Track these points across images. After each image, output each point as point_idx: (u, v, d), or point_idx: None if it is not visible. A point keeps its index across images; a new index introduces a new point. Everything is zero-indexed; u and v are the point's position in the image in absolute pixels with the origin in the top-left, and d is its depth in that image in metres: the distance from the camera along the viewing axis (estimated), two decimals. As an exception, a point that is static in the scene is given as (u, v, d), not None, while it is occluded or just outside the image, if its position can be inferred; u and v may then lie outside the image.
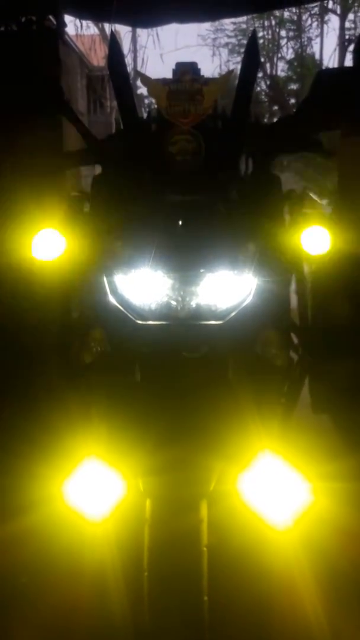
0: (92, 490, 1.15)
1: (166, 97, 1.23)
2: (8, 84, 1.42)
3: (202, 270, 1.17)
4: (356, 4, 12.29)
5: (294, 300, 1.40)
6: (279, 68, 16.82)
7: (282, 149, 1.46)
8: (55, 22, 2.57)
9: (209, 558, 1.09)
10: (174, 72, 1.29)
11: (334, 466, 1.51)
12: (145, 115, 1.36)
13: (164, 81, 1.25)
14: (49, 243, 1.27)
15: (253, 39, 1.34)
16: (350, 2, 12.14)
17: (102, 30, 11.39)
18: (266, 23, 15.56)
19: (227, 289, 1.19)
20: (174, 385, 1.23)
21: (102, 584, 1.19)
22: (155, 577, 1.09)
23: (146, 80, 1.26)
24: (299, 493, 1.15)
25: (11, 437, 1.79)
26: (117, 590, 1.16)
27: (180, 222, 1.17)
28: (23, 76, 1.38)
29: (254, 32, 1.46)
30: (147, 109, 1.41)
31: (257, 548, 1.20)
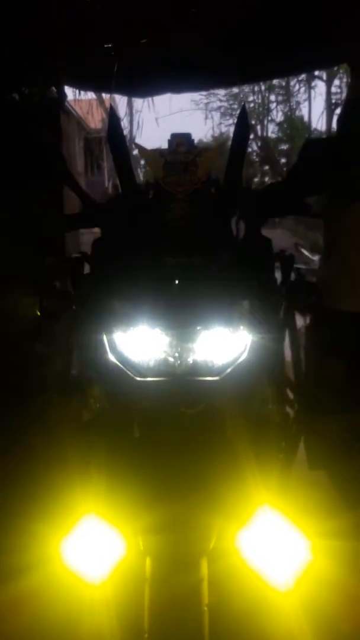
0: (91, 549, 1.14)
1: (162, 167, 1.31)
2: (10, 151, 1.50)
3: (198, 328, 1.21)
4: (340, 72, 13.00)
5: (288, 356, 1.44)
6: (269, 130, 17.54)
7: (272, 213, 1.54)
8: (56, 93, 2.73)
9: (210, 617, 1.08)
10: (170, 142, 1.37)
11: (332, 523, 1.51)
12: (142, 180, 1.44)
13: (160, 152, 1.34)
14: (53, 302, 1.32)
15: (243, 112, 1.44)
16: (335, 70, 12.85)
17: (99, 95, 11.93)
18: (256, 88, 16.35)
19: (223, 345, 1.23)
20: (172, 441, 1.25)
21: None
22: (156, 639, 1.07)
23: (143, 152, 1.34)
24: (299, 551, 1.15)
25: (9, 495, 1.78)
26: (117, 653, 1.13)
27: (177, 282, 1.22)
28: (25, 144, 1.46)
29: (244, 106, 1.57)
30: (143, 171, 1.49)
31: (258, 607, 1.19)
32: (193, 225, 1.27)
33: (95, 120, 13.74)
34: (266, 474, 1.35)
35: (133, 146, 1.52)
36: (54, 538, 1.15)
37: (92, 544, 1.16)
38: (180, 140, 1.36)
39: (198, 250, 1.26)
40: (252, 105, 16.40)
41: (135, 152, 1.53)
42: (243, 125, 1.41)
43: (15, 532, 1.58)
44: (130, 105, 11.68)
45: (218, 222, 1.33)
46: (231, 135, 1.37)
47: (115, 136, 1.39)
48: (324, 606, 1.40)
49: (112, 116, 1.43)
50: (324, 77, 14.87)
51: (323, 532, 1.26)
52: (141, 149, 1.34)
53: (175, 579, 1.11)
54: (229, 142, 1.36)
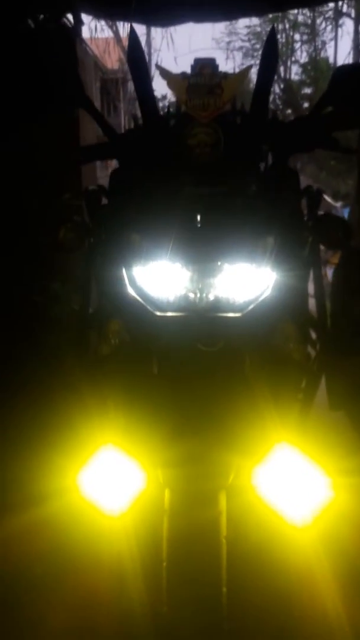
0: (110, 480, 1.15)
1: (186, 90, 1.23)
2: (27, 81, 1.43)
3: (220, 263, 1.17)
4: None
5: (312, 295, 1.39)
6: (293, 72, 16.71)
7: (301, 145, 1.46)
8: (72, 21, 2.60)
9: (227, 550, 1.09)
10: (192, 67, 1.29)
11: (352, 461, 1.50)
12: (164, 110, 1.36)
13: (183, 75, 1.26)
14: (69, 235, 1.28)
15: (272, 34, 1.34)
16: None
17: (115, 32, 11.44)
18: (280, 27, 15.48)
19: (246, 282, 1.19)
20: (191, 377, 1.23)
21: (120, 574, 1.19)
22: (174, 568, 1.09)
23: (166, 74, 1.26)
24: (318, 488, 1.14)
25: (28, 430, 1.80)
26: (135, 581, 1.16)
27: (198, 215, 1.17)
28: (41, 69, 1.39)
29: (273, 28, 1.46)
30: (165, 105, 1.41)
31: (276, 541, 1.20)
32: (217, 153, 1.20)
33: (112, 60, 13.24)
34: (285, 412, 1.34)
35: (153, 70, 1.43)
36: (73, 470, 1.15)
37: (111, 475, 1.17)
38: (205, 64, 1.27)
39: (222, 180, 1.20)
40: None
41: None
42: (272, 49, 1.32)
43: (34, 465, 1.61)
44: (148, 42, 11.17)
45: (243, 151, 1.26)
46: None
47: (135, 59, 1.30)
48: (343, 542, 1.41)
49: (133, 38, 1.34)
50: (352, 14, 14.01)
51: (343, 470, 1.25)
52: (163, 71, 1.26)
53: (193, 511, 1.12)
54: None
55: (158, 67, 1.27)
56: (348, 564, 1.39)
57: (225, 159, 1.21)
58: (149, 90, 1.29)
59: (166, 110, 1.34)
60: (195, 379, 1.24)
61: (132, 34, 1.35)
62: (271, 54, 1.33)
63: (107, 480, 1.17)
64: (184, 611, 1.10)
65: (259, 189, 1.28)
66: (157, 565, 1.10)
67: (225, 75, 1.24)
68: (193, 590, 1.09)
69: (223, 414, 1.22)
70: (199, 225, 1.17)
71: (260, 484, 1.17)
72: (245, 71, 1.31)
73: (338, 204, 7.34)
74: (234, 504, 1.14)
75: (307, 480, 1.16)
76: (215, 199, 1.20)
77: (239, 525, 1.14)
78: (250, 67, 1.40)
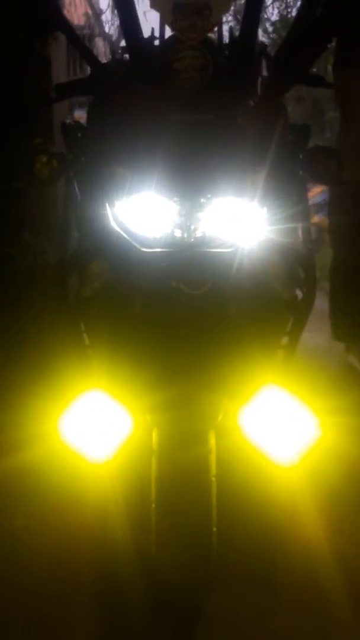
0: (96, 423, 1.11)
1: (171, 10, 1.15)
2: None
3: (209, 196, 1.11)
4: None
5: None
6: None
7: (288, 79, 1.40)
8: None
9: (217, 489, 1.07)
10: (179, -16, 1.20)
11: (341, 402, 1.50)
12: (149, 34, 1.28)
13: (168, -6, 1.17)
14: (46, 168, 1.20)
15: None
16: None
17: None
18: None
19: (236, 217, 1.14)
20: (177, 318, 1.19)
21: (107, 515, 1.17)
22: (163, 509, 1.07)
23: (149, -8, 1.18)
24: (306, 427, 1.13)
25: (7, 372, 1.74)
26: (122, 523, 1.14)
27: (185, 143, 1.10)
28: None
29: None
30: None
31: (264, 480, 1.19)
32: (205, 77, 1.14)
33: (79, 15, 12.70)
34: (272, 352, 1.32)
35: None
36: (55, 413, 1.11)
37: (95, 420, 1.13)
38: (191, -18, 1.19)
39: (209, 106, 1.14)
40: None
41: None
42: None
43: (15, 409, 1.55)
44: None
45: (232, 78, 1.19)
46: None
47: None
48: (330, 480, 1.41)
49: None
50: None
51: (331, 409, 1.24)
52: (147, -11, 1.17)
53: (182, 451, 1.10)
54: None
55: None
56: (335, 502, 1.39)
57: (213, 84, 1.15)
58: (132, 10, 1.20)
59: (150, 33, 1.26)
60: (182, 318, 1.20)
61: None
62: None
63: (92, 425, 1.13)
64: (173, 552, 1.08)
65: (248, 119, 1.22)
66: (146, 506, 1.07)
67: (214, -6, 1.16)
68: (182, 530, 1.07)
69: (210, 357, 1.19)
70: (185, 155, 1.11)
71: (248, 424, 1.15)
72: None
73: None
74: (222, 443, 1.12)
75: (294, 419, 1.15)
76: (203, 127, 1.14)
77: (228, 464, 1.12)
78: None
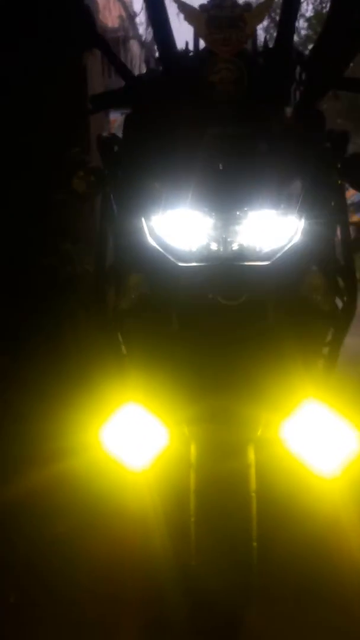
0: (133, 436, 1.12)
1: (205, 24, 1.15)
2: (38, 23, 1.34)
3: (245, 209, 1.11)
4: None
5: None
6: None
7: (325, 86, 1.38)
8: None
9: (257, 503, 1.06)
10: (211, -2, 1.20)
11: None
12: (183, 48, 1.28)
13: (202, 7, 1.17)
14: (83, 183, 1.22)
15: None
16: None
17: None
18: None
19: (272, 229, 1.13)
20: (215, 330, 1.19)
21: (146, 529, 1.17)
22: (203, 522, 1.07)
23: (183, 7, 1.17)
24: (347, 440, 1.11)
25: (48, 384, 1.77)
26: (162, 535, 1.14)
27: (221, 157, 1.10)
28: (52, 13, 1.30)
29: None
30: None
31: (304, 494, 1.18)
32: (241, 90, 1.13)
33: (113, 18, 12.79)
34: (311, 365, 1.30)
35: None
36: (94, 426, 1.12)
37: (133, 431, 1.14)
38: (225, -6, 1.18)
39: (245, 118, 1.13)
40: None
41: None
42: None
43: (56, 421, 1.58)
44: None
45: (268, 89, 1.18)
46: None
47: None
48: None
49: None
50: None
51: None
52: (181, 3, 1.17)
53: (221, 464, 1.09)
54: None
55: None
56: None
57: (249, 97, 1.14)
58: (166, 25, 1.20)
59: (185, 47, 1.26)
60: (217, 333, 1.19)
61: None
62: None
63: (130, 437, 1.14)
64: (212, 565, 1.08)
65: (285, 129, 1.21)
66: (185, 519, 1.08)
67: (249, 5, 1.16)
68: (222, 544, 1.07)
69: (247, 369, 1.18)
70: (221, 169, 1.11)
71: (288, 437, 1.14)
72: (269, 2, 1.22)
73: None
74: (262, 457, 1.11)
75: (334, 433, 1.13)
76: (239, 140, 1.13)
77: (268, 478, 1.11)
78: None
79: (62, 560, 1.38)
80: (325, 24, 1.34)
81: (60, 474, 1.45)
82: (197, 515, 1.07)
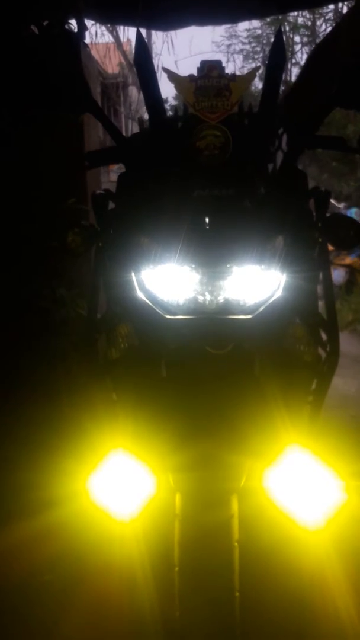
0: (121, 484, 1.15)
1: (193, 93, 1.23)
2: (33, 85, 1.42)
3: (229, 265, 1.16)
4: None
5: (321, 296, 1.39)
6: (293, 74, 16.62)
7: (309, 145, 1.45)
8: (77, 25, 2.59)
9: (240, 554, 1.08)
10: (199, 69, 1.28)
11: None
12: (171, 113, 1.36)
13: (190, 77, 1.25)
14: (77, 240, 1.27)
15: (279, 35, 1.33)
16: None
17: (116, 37, 11.47)
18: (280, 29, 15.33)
19: (255, 283, 1.18)
20: (201, 380, 1.23)
21: (131, 579, 1.18)
22: (186, 573, 1.08)
23: (173, 77, 1.26)
24: (331, 490, 1.14)
25: (38, 435, 1.79)
26: (147, 585, 1.15)
27: (207, 217, 1.16)
28: (47, 76, 1.38)
29: (280, 29, 1.46)
30: (172, 108, 1.40)
31: (288, 544, 1.19)
32: (226, 155, 1.20)
33: (113, 65, 13.26)
34: (295, 414, 1.33)
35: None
36: (82, 474, 1.15)
37: (121, 480, 1.16)
38: (212, 66, 1.27)
39: (231, 182, 1.20)
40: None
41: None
42: (279, 50, 1.32)
43: (43, 469, 1.60)
44: (149, 39, 11.15)
45: (252, 153, 1.25)
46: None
47: (142, 61, 1.30)
48: (356, 545, 1.39)
49: (139, 41, 1.34)
50: (353, 15, 13.96)
51: (356, 473, 1.24)
52: (170, 73, 1.26)
53: (205, 515, 1.11)
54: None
55: (165, 69, 1.27)
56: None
57: (233, 161, 1.21)
58: (157, 92, 1.28)
59: (174, 113, 1.34)
60: (204, 382, 1.23)
61: (139, 38, 1.34)
62: (278, 54, 1.32)
63: (117, 485, 1.16)
64: (196, 616, 1.08)
65: (268, 190, 1.27)
66: (169, 570, 1.09)
67: (234, 76, 1.24)
68: (205, 595, 1.08)
69: (233, 417, 1.21)
70: (207, 228, 1.17)
71: (272, 486, 1.16)
72: (253, 72, 1.30)
73: (341, 205, 7.34)
74: (245, 507, 1.13)
75: (319, 482, 1.16)
76: (224, 201, 1.20)
77: (251, 528, 1.13)
78: (258, 68, 1.39)
79: (47, 608, 1.38)
80: (296, 83, 1.41)
81: (48, 524, 1.46)
82: (181, 566, 1.08)
